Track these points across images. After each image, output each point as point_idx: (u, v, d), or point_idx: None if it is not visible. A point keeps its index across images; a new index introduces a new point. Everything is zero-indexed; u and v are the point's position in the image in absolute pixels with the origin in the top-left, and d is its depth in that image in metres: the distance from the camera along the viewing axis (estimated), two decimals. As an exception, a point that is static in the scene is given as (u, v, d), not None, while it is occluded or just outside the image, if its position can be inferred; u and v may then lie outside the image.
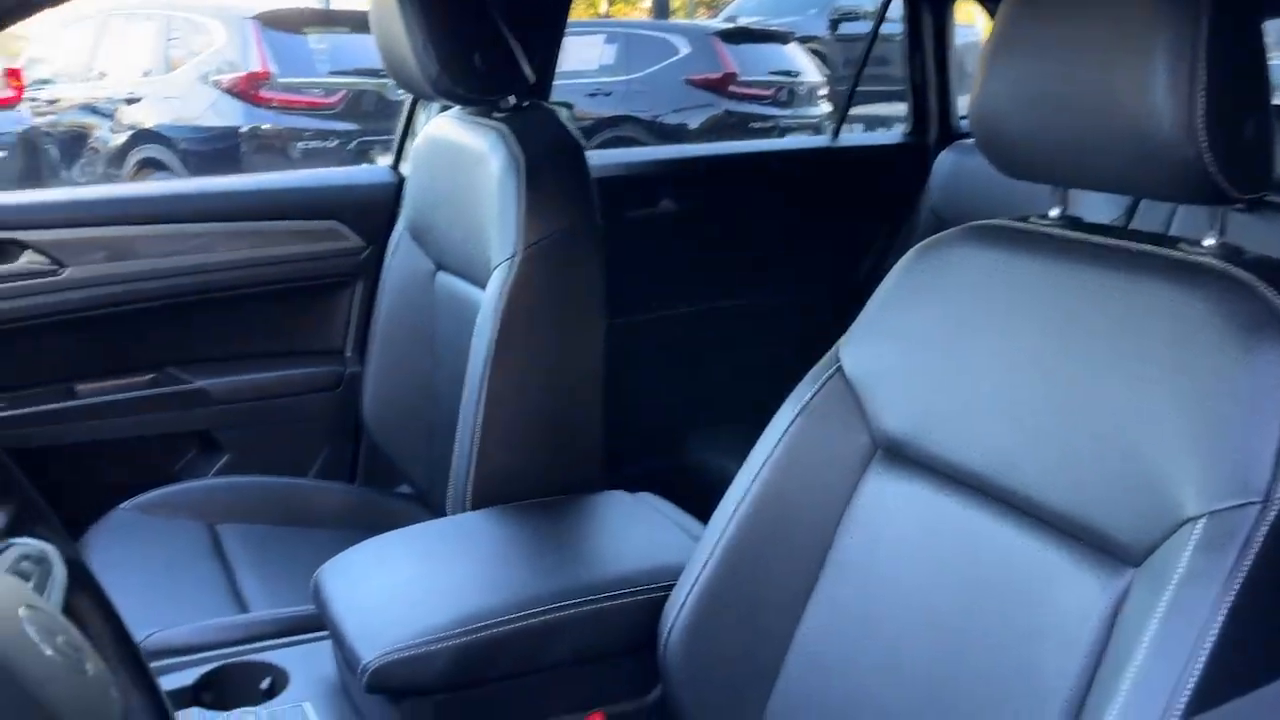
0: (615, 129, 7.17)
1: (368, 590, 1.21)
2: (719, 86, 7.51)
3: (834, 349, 1.09)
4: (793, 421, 1.07)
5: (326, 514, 1.80)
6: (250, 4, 6.40)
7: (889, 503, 1.02)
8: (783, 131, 7.52)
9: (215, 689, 1.22)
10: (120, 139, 6.45)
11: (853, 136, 2.74)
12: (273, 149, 6.25)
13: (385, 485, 1.96)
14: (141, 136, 6.38)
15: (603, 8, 13.73)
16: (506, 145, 1.47)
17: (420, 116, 2.05)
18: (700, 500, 1.23)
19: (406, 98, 2.10)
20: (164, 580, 1.53)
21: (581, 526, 1.38)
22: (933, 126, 2.53)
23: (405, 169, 1.94)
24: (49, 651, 0.61)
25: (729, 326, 2.35)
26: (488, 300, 1.43)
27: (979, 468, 0.94)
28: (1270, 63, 0.87)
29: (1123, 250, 0.91)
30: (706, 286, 2.32)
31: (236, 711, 1.14)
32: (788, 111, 7.71)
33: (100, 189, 2.55)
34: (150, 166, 6.30)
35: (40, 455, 1.80)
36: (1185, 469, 0.78)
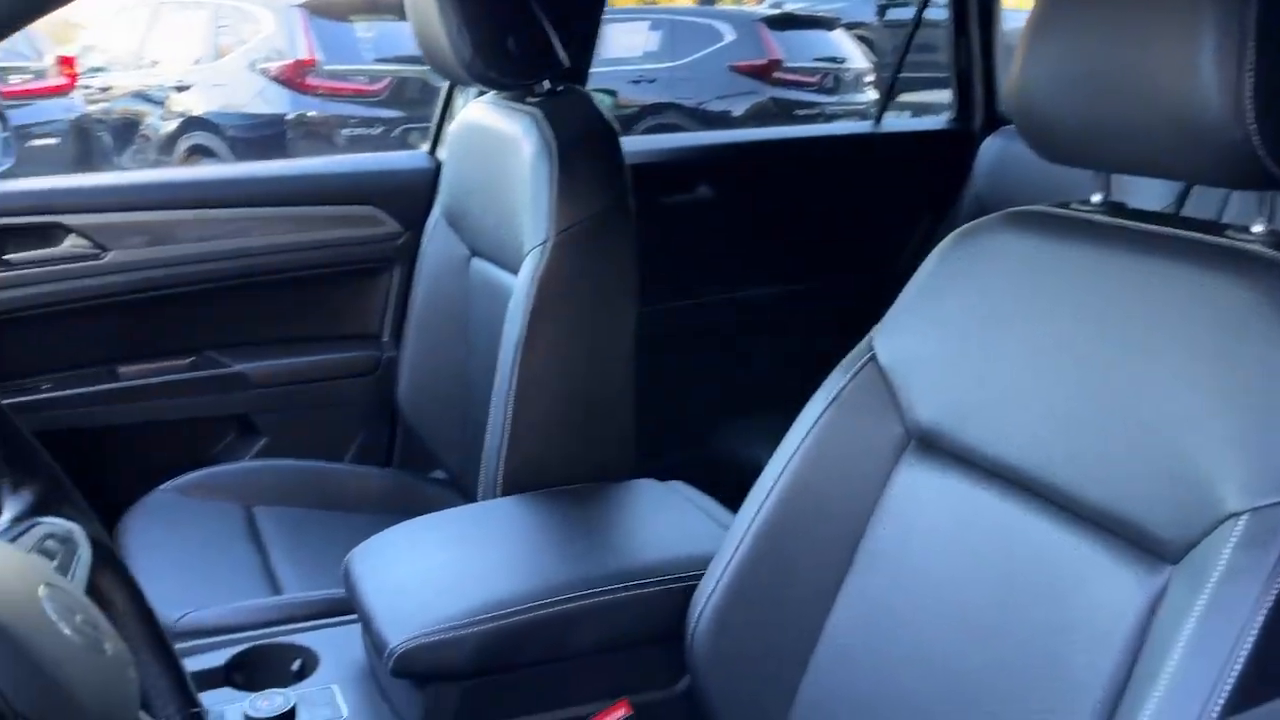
0: (658, 116, 7.14)
1: (396, 574, 1.22)
2: (764, 73, 7.44)
3: (867, 337, 1.07)
4: (824, 411, 1.05)
5: (361, 498, 1.81)
6: (298, -9, 6.46)
7: (921, 495, 1.00)
8: (828, 119, 7.43)
9: (246, 670, 1.23)
10: (170, 126, 6.54)
11: (896, 121, 2.70)
12: (318, 136, 6.31)
13: (420, 470, 1.97)
14: (191, 123, 6.46)
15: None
16: (539, 130, 1.47)
17: (458, 101, 2.05)
18: (734, 490, 1.22)
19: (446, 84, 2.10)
20: (199, 561, 1.55)
21: (611, 514, 1.37)
22: (978, 112, 2.48)
23: (442, 154, 1.94)
24: (67, 631, 0.61)
25: (767, 315, 2.33)
26: (519, 286, 1.42)
27: (1014, 460, 0.92)
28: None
29: (1166, 237, 0.88)
30: (744, 274, 2.29)
31: (265, 692, 1.14)
32: (833, 98, 7.63)
33: (141, 174, 2.59)
34: (199, 153, 6.38)
35: (82, 436, 1.83)
36: (1228, 464, 0.76)
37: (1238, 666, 0.70)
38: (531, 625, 1.12)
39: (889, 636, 0.99)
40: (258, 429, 1.96)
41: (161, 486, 1.74)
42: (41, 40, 6.52)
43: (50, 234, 1.79)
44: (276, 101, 6.35)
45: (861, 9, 9.00)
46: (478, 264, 1.69)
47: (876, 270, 2.35)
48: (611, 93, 6.96)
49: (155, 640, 0.79)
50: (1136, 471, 0.82)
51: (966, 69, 2.47)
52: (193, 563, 1.55)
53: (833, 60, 7.71)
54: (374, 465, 1.99)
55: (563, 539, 1.31)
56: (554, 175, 1.42)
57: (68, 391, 1.82)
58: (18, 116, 5.93)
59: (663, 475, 1.44)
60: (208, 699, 1.15)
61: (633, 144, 2.32)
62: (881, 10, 8.99)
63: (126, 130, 6.81)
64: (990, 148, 2.32)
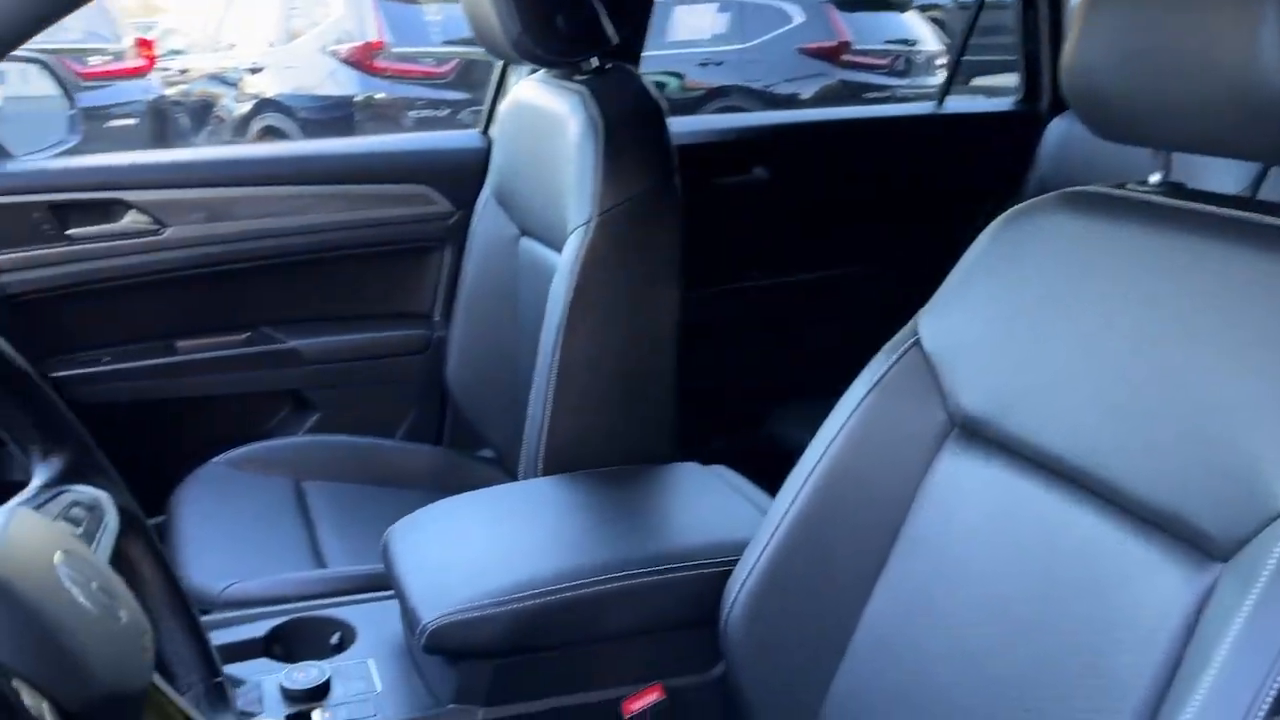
0: (724, 99, 7.07)
1: (432, 551, 1.22)
2: (833, 55, 7.33)
3: (913, 321, 1.04)
4: (866, 395, 1.03)
5: (409, 475, 1.82)
6: (370, -26, 6.51)
7: (964, 484, 0.97)
8: (898, 103, 7.30)
9: (285, 641, 1.25)
10: (244, 108, 6.66)
11: (959, 102, 2.62)
12: (385, 118, 6.37)
13: (470, 449, 1.98)
14: (264, 105, 6.57)
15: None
16: (586, 108, 1.45)
17: (511, 80, 2.04)
18: (779, 476, 1.20)
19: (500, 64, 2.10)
20: (248, 533, 1.58)
21: (650, 496, 1.36)
22: (1045, 93, 2.40)
23: (495, 134, 1.94)
24: (81, 597, 0.62)
25: (822, 299, 2.29)
26: (562, 265, 1.41)
27: (1060, 450, 0.88)
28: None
29: (1228, 219, 0.83)
30: (799, 257, 2.26)
31: (301, 664, 1.15)
32: (904, 81, 7.49)
33: (200, 151, 2.64)
34: (271, 134, 6.49)
35: (140, 409, 1.87)
36: None
37: None
38: (564, 606, 1.12)
39: (927, 628, 0.96)
40: (311, 405, 1.99)
41: (215, 459, 1.77)
42: (121, 23, 6.68)
43: (111, 210, 1.83)
44: (346, 83, 6.43)
45: (935, -10, 8.81)
46: (526, 243, 1.68)
47: (935, 255, 2.29)
48: (679, 75, 6.91)
49: (181, 609, 0.80)
50: (1187, 464, 0.78)
51: (1034, 49, 2.40)
52: (241, 534, 1.58)
53: (904, 42, 7.56)
54: (424, 443, 2.00)
55: (599, 520, 1.30)
56: (599, 154, 1.40)
57: (127, 365, 1.86)
58: (98, 97, 6.10)
59: (713, 460, 1.42)
60: (246, 669, 1.17)
61: (687, 124, 2.30)
62: (955, -10, 8.80)
63: (202, 111, 6.96)
64: (1056, 130, 2.24)
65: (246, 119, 6.61)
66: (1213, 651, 0.71)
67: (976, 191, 2.38)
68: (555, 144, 1.51)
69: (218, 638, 1.20)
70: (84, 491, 0.77)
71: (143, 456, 1.76)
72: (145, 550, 0.79)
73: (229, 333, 1.93)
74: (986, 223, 1.04)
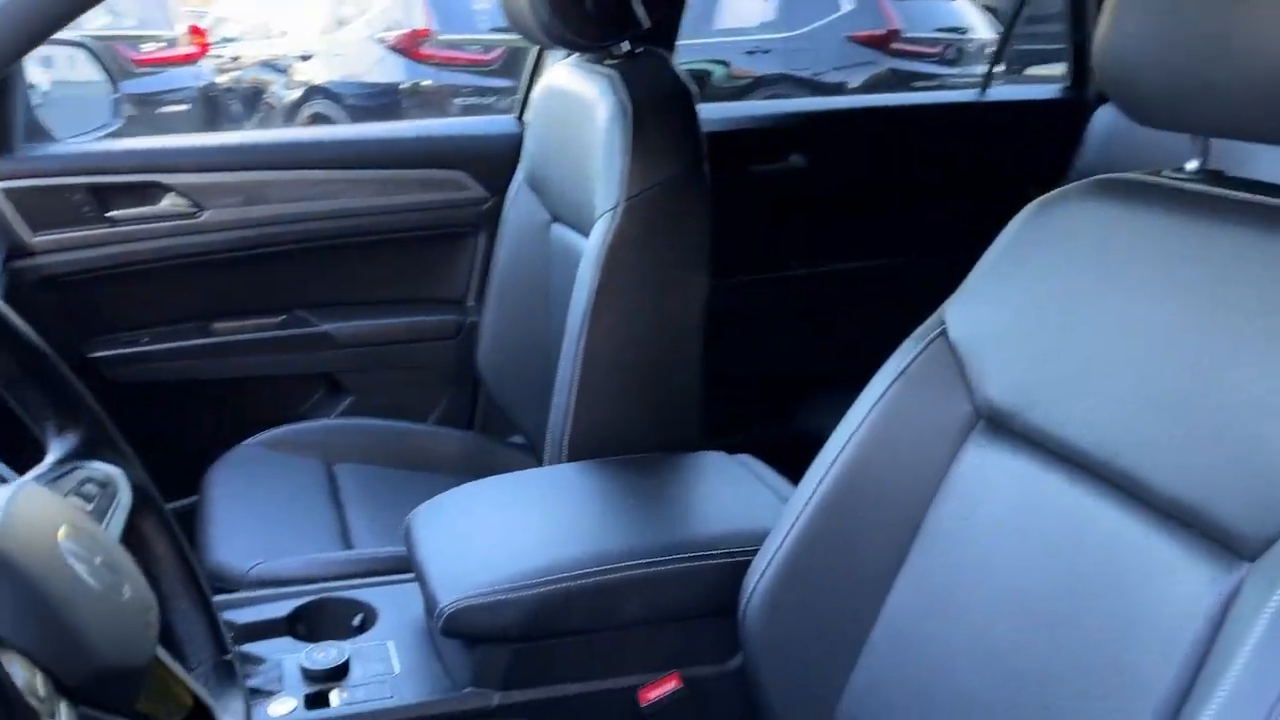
0: (771, 88, 7.00)
1: (453, 535, 1.22)
2: (882, 44, 7.23)
3: (939, 310, 1.02)
4: (890, 385, 1.01)
5: (440, 459, 1.83)
6: (417, -39, 6.54)
7: (989, 476, 0.95)
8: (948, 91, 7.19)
9: (308, 621, 1.26)
10: (294, 94, 6.72)
11: (1003, 90, 2.57)
12: (432, 105, 6.40)
13: (501, 435, 1.98)
14: (313, 92, 6.63)
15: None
16: (615, 93, 1.44)
17: (546, 65, 2.04)
18: (808, 468, 1.18)
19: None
20: (277, 514, 1.59)
21: (673, 484, 1.35)
22: (1093, 81, 2.35)
23: (528, 118, 1.93)
24: (84, 573, 0.62)
25: (858, 289, 2.26)
26: (589, 251, 1.41)
27: (1087, 444, 0.86)
28: None
29: (1267, 208, 0.80)
30: (835, 246, 2.23)
31: (322, 644, 1.16)
32: (955, 70, 7.36)
33: (237, 135, 2.66)
34: (320, 120, 6.55)
35: (176, 389, 1.90)
36: None
37: None
38: (582, 592, 1.11)
39: (948, 622, 0.94)
40: (344, 388, 2.00)
41: (248, 440, 1.79)
42: (175, 11, 6.78)
43: (150, 193, 1.85)
44: (394, 71, 6.46)
45: (988, -23, 8.65)
46: (557, 229, 1.67)
47: (976, 246, 2.25)
48: (724, 63, 6.86)
49: (193, 587, 0.81)
50: (1217, 460, 0.76)
51: (1082, 35, 2.34)
52: (271, 515, 1.59)
53: (955, 30, 7.44)
54: (456, 428, 2.01)
55: (621, 507, 1.29)
56: (628, 139, 1.39)
57: (164, 345, 1.89)
58: (151, 83, 6.19)
59: (742, 450, 1.41)
60: (267, 648, 1.18)
61: (722, 110, 2.28)
62: (1008, -22, 8.63)
63: (253, 98, 7.04)
64: (1102, 118, 2.19)
65: (295, 105, 6.67)
66: (1237, 651, 0.69)
67: (1020, 180, 2.32)
68: (585, 129, 1.50)
69: (242, 616, 1.22)
70: (98, 468, 0.78)
71: (179, 436, 1.79)
72: (159, 527, 0.80)
73: (264, 315, 1.95)
74: None
